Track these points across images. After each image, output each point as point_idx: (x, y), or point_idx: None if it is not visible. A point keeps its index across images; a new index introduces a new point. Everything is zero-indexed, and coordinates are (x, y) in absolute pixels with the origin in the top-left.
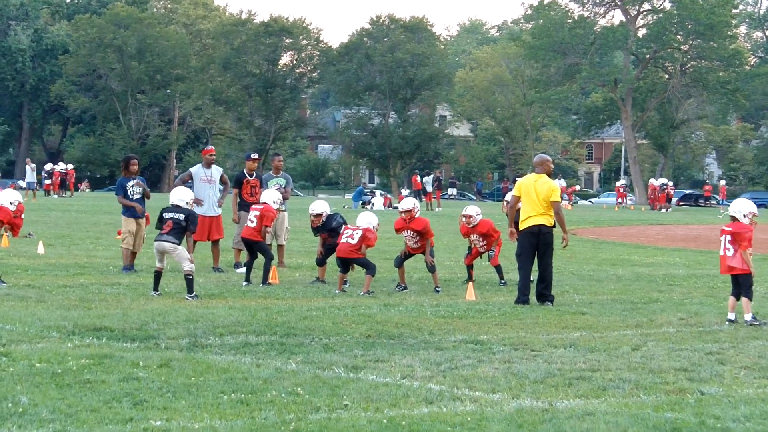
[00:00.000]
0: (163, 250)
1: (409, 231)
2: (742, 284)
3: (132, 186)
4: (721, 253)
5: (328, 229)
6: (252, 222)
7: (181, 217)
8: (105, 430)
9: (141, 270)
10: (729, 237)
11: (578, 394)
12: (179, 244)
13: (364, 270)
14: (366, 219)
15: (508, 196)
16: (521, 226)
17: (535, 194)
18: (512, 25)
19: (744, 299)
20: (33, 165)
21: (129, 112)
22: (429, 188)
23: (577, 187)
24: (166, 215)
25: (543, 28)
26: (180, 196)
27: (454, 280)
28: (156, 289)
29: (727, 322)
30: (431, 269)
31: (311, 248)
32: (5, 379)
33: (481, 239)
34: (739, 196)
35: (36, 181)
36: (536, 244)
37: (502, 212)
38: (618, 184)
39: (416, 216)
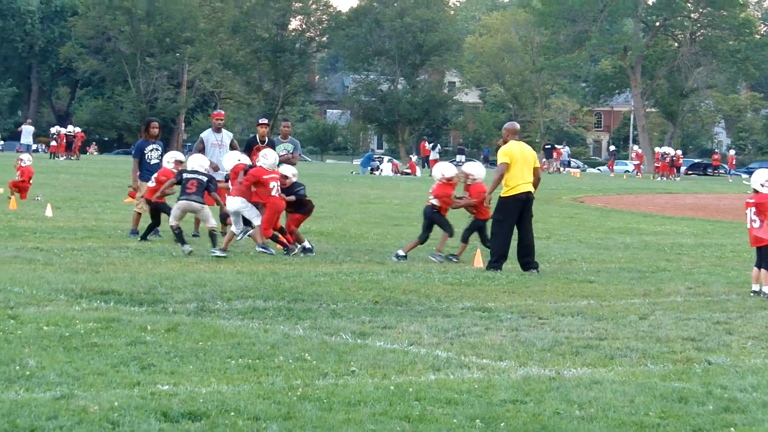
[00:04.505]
0: (191, 209)
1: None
2: (764, 256)
3: (150, 150)
4: (748, 225)
5: (288, 193)
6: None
7: (204, 178)
8: (112, 394)
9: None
10: (754, 209)
11: (585, 362)
12: (205, 205)
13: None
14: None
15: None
16: (510, 192)
17: (526, 161)
18: None
19: (764, 272)
20: (30, 128)
21: (138, 75)
22: (434, 155)
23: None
24: (187, 176)
25: None
26: (199, 162)
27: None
28: (184, 242)
29: (751, 294)
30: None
31: (319, 214)
32: (13, 342)
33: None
34: (748, 165)
35: (30, 143)
36: (521, 211)
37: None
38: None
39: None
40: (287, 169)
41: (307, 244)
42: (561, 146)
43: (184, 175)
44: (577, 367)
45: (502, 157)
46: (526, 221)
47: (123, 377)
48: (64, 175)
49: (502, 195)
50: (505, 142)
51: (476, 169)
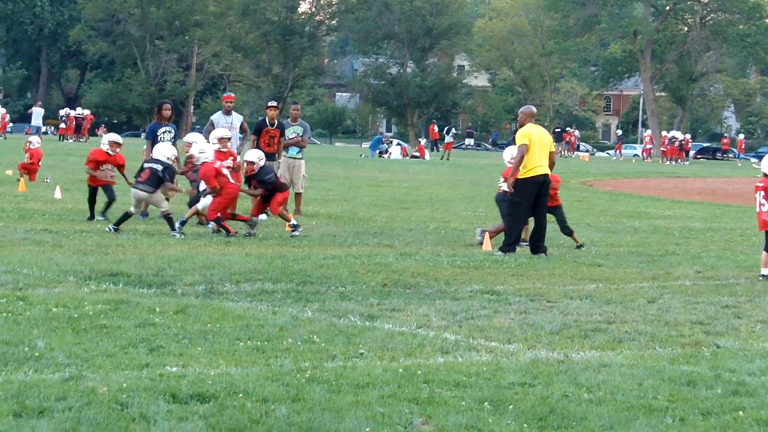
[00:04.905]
0: (138, 198)
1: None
2: None
3: (163, 132)
4: (757, 209)
5: (259, 180)
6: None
7: (159, 168)
8: (121, 376)
9: (154, 216)
10: (763, 193)
11: (594, 345)
12: (154, 193)
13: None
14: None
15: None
16: (527, 174)
17: (543, 144)
18: None
19: None
20: (41, 110)
21: (147, 58)
22: (449, 139)
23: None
24: (146, 165)
25: None
26: (162, 151)
27: (470, 230)
28: (117, 225)
29: (760, 277)
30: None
31: (328, 197)
32: (22, 323)
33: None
34: (757, 149)
35: (40, 125)
36: (538, 194)
37: None
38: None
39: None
40: (252, 154)
41: (294, 221)
42: (571, 129)
43: (144, 165)
44: (585, 351)
45: (521, 138)
46: (541, 204)
47: (132, 359)
48: (73, 157)
49: (519, 177)
50: (521, 125)
51: None
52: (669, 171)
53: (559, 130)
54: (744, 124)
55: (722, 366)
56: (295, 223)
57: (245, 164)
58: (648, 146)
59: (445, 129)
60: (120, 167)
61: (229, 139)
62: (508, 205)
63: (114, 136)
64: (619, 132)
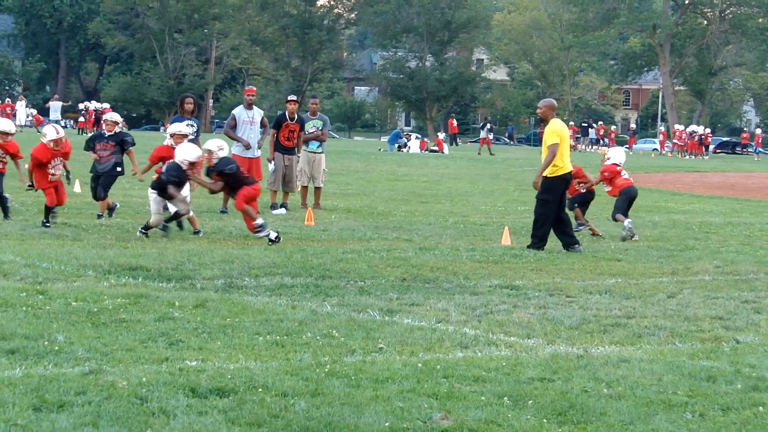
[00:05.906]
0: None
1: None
2: None
3: (186, 126)
4: None
5: (219, 172)
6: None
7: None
8: (141, 370)
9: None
10: None
11: (613, 340)
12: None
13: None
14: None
15: None
16: (558, 172)
17: (567, 140)
18: None
19: None
20: (58, 103)
21: (166, 51)
22: (483, 134)
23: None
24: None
25: None
26: (184, 155)
27: (489, 224)
28: (164, 229)
29: None
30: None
31: (347, 191)
32: (42, 317)
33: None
34: None
35: (58, 119)
36: (564, 191)
37: None
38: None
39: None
40: (212, 143)
41: (260, 221)
42: (597, 124)
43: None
44: (604, 346)
45: (553, 137)
46: (563, 199)
47: (151, 353)
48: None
49: (550, 175)
50: (543, 119)
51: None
52: (688, 165)
53: (585, 124)
54: (764, 118)
55: (742, 361)
56: (261, 222)
57: (205, 153)
58: (675, 140)
59: (481, 124)
60: (11, 155)
61: (186, 136)
62: (539, 204)
63: (2, 126)
64: (633, 126)
